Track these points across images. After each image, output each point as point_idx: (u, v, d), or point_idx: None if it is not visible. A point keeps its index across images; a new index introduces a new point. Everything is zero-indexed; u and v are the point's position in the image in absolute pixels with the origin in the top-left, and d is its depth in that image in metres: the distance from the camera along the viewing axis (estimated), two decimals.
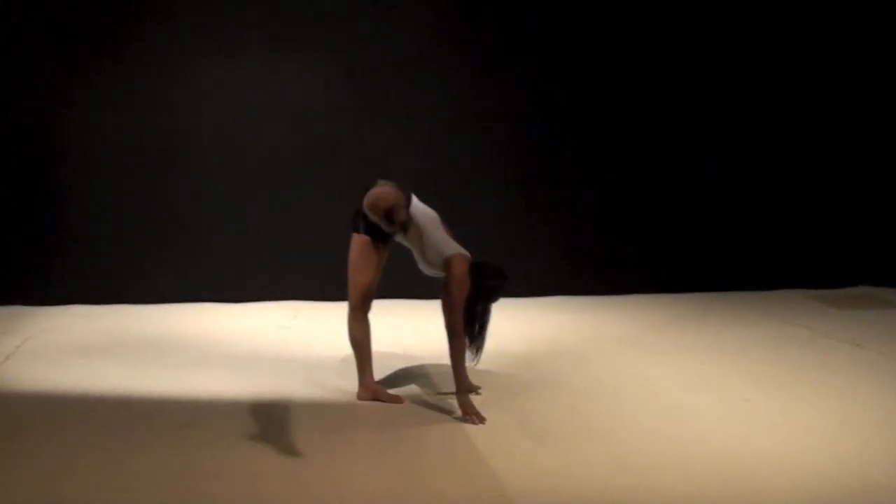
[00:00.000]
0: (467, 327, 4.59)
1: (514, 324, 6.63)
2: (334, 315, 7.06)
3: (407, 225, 4.68)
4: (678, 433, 4.40)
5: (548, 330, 6.64)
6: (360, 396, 4.92)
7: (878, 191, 8.12)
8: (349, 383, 5.08)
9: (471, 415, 4.53)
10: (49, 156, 7.35)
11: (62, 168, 7.36)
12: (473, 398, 4.69)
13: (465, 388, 4.61)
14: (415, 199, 4.80)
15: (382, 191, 4.70)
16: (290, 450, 4.16)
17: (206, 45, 7.43)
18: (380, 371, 5.13)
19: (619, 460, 4.05)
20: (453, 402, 4.70)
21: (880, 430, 4.44)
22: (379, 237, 4.78)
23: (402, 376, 5.33)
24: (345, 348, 5.98)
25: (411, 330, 6.47)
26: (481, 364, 4.82)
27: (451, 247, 4.64)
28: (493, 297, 4.68)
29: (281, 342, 6.27)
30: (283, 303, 7.43)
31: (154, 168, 7.44)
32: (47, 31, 7.26)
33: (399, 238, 4.81)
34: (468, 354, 4.65)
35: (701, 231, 8.00)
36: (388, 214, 4.66)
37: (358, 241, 4.78)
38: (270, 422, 4.55)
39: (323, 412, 4.70)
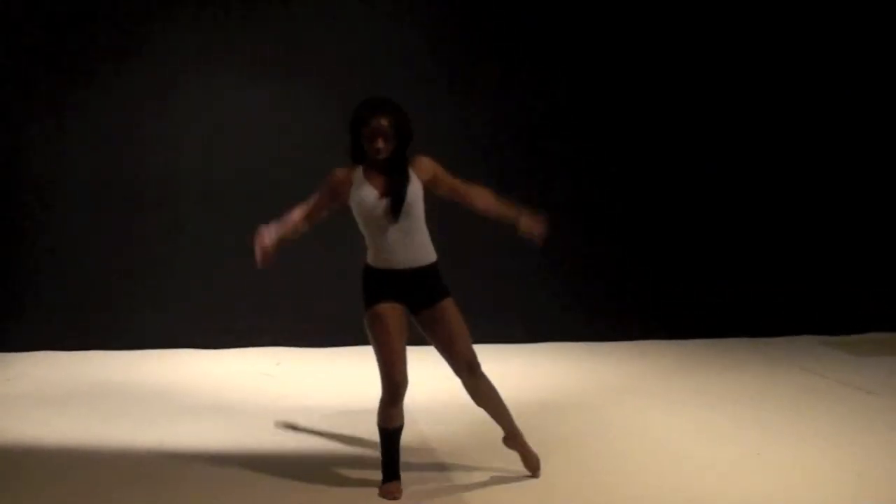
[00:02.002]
0: None
1: (510, 372, 6.50)
2: (319, 362, 7.06)
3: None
4: (686, 490, 4.41)
5: (545, 378, 6.62)
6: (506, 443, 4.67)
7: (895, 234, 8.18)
8: (334, 437, 5.09)
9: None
10: (11, 190, 7.36)
11: (25, 203, 7.38)
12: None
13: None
14: None
15: None
16: None
17: (185, 76, 7.41)
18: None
19: None
20: (452, 455, 4.64)
21: None
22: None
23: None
24: (329, 397, 6.05)
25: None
26: (475, 418, 4.75)
27: None
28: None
29: (262, 391, 6.26)
30: (265, 349, 7.39)
31: (127, 204, 7.41)
32: (10, 55, 7.31)
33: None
34: None
35: (707, 275, 7.90)
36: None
37: (387, 314, 4.15)
38: (249, 478, 4.54)
39: (305, 469, 4.69)
